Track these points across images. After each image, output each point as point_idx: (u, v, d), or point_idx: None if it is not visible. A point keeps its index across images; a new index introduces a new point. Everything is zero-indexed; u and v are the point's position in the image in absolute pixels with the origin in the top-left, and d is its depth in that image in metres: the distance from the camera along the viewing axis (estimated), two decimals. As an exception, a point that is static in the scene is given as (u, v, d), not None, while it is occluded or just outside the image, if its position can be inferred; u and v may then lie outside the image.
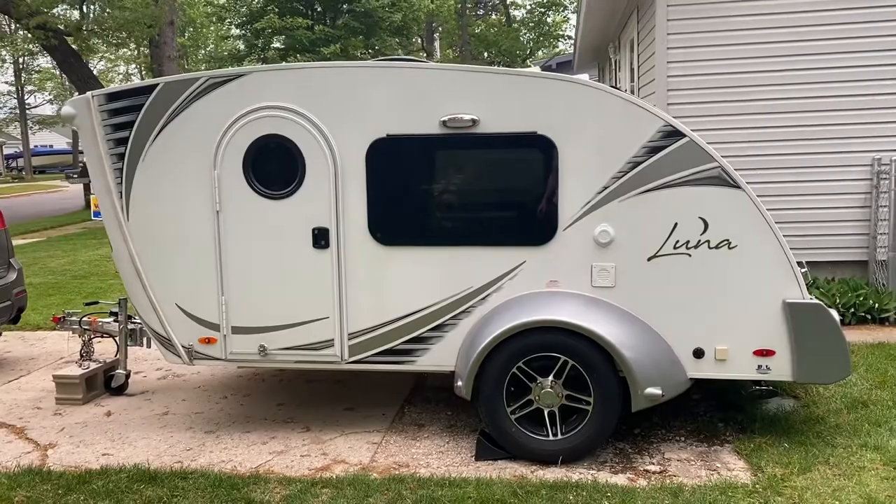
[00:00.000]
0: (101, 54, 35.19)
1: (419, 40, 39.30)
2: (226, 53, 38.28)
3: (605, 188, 4.59)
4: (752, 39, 7.86)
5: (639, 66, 9.94)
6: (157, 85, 4.92)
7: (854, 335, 6.75)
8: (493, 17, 45.58)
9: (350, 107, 4.76)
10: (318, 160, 4.80)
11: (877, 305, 7.40)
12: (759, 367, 4.58)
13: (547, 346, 4.55)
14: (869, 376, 5.80)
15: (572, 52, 19.85)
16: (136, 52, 40.42)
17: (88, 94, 5.00)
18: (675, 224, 4.55)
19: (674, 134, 4.50)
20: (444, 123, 4.67)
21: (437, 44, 41.58)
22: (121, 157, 5.00)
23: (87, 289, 10.28)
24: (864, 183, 7.95)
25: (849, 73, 7.81)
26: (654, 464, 4.58)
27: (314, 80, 4.80)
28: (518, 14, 44.15)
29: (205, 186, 4.92)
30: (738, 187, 4.51)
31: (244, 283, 4.98)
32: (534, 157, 4.67)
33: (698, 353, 4.60)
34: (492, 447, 4.69)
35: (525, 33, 42.70)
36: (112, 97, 4.98)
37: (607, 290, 4.66)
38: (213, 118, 4.86)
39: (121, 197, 5.05)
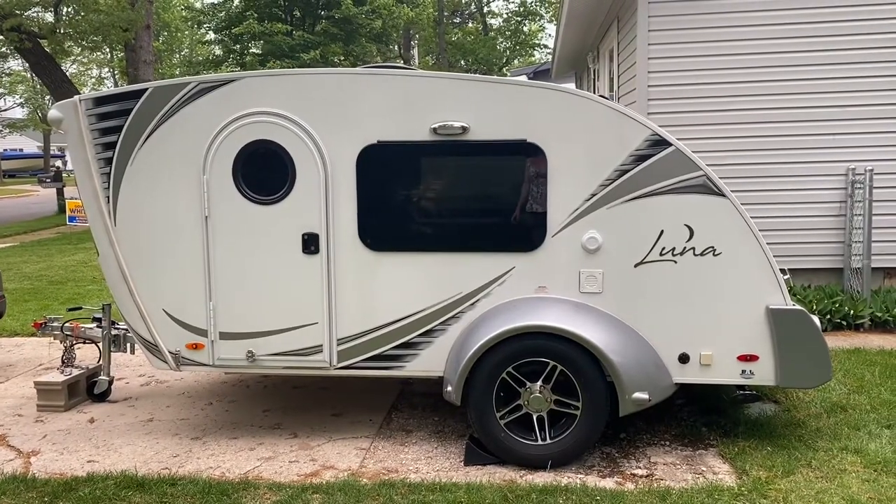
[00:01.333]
0: (73, 57, 34.80)
1: (396, 48, 39.37)
2: (201, 58, 38.03)
3: (594, 195, 4.66)
4: (732, 51, 8.01)
5: (619, 76, 10.06)
6: (146, 89, 4.91)
7: (830, 341, 6.79)
8: (470, 25, 45.81)
9: (341, 113, 4.79)
10: (309, 166, 4.81)
11: (852, 312, 7.55)
12: (743, 371, 4.66)
13: (536, 351, 4.59)
14: (847, 381, 5.92)
15: (550, 60, 20.03)
16: (109, 55, 40.05)
17: (76, 97, 4.98)
18: (662, 231, 4.62)
19: (660, 143, 4.58)
20: (434, 130, 4.71)
21: (414, 51, 41.66)
22: (108, 161, 4.98)
23: (64, 294, 10.17)
24: (838, 192, 8.11)
25: (824, 85, 7.98)
26: (640, 468, 4.63)
27: (305, 86, 4.82)
28: (494, 23, 44.43)
29: (194, 191, 4.92)
30: (723, 195, 4.60)
31: (232, 289, 4.97)
32: (523, 164, 4.72)
33: (683, 359, 4.68)
34: (481, 452, 4.72)
35: (501, 42, 42.97)
36: (100, 101, 4.96)
37: (595, 295, 4.72)
38: (203, 123, 4.86)
39: (108, 202, 5.02)
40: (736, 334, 4.64)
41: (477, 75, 4.78)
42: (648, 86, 8.17)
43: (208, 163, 4.87)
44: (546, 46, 44.24)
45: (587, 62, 14.15)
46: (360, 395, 5.96)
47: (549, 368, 4.60)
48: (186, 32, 45.01)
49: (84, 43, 22.83)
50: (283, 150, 4.82)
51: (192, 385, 6.39)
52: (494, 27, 44.16)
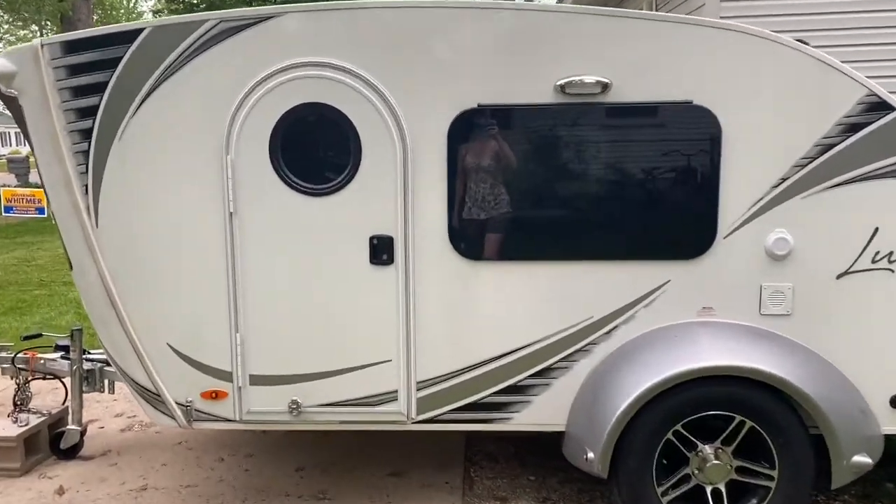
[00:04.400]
0: (3, 30, 32.18)
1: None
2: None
3: (784, 180, 3.35)
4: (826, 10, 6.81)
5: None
6: (141, 30, 3.40)
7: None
8: None
9: (426, 65, 3.37)
10: (380, 140, 3.39)
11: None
12: (976, 418, 3.43)
13: (718, 401, 3.28)
14: None
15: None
16: (39, 33, 37.39)
17: (36, 41, 3.44)
18: (876, 229, 3.35)
19: (880, 106, 3.29)
20: (561, 89, 3.34)
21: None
22: (86, 134, 3.47)
23: (5, 302, 8.44)
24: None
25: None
26: (847, 552, 3.38)
27: (373, 25, 3.38)
28: None
29: (212, 177, 3.45)
30: (963, 180, 3.35)
31: (269, 314, 3.54)
32: (686, 136, 3.39)
33: (896, 402, 3.43)
34: (631, 539, 3.40)
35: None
36: (74, 47, 3.43)
37: (782, 319, 3.43)
38: (227, 80, 3.39)
39: (86, 192, 3.51)
40: (971, 369, 3.41)
41: (620, 9, 3.39)
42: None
43: (234, 137, 3.41)
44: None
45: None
46: (416, 444, 4.56)
47: (734, 425, 3.29)
48: (122, 11, 42.62)
49: (15, 14, 20.72)
50: (344, 119, 3.39)
51: (188, 431, 4.88)
52: None
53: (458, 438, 4.61)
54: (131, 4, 40.83)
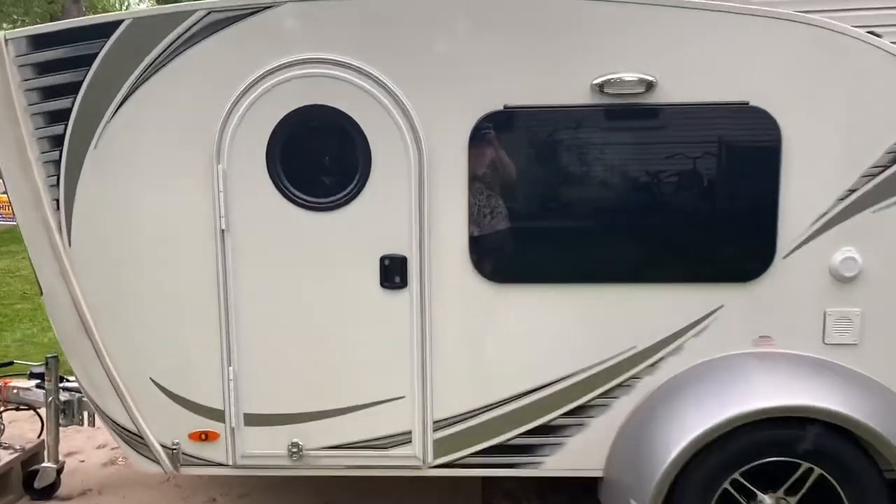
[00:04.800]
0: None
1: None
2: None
3: (852, 192, 2.96)
4: None
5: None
6: (119, 23, 2.99)
7: None
8: None
9: (444, 62, 2.97)
10: (392, 148, 2.99)
11: None
12: None
13: (781, 446, 2.87)
14: None
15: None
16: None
17: (1, 34, 3.03)
18: (957, 247, 2.96)
19: (964, 108, 2.89)
20: (599, 89, 2.93)
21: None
22: (57, 141, 3.05)
23: (-16, 318, 8.02)
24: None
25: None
26: None
27: (384, 16, 2.97)
28: None
29: (200, 190, 3.05)
30: None
31: (266, 345, 3.13)
32: (742, 142, 2.99)
33: (977, 444, 3.02)
34: None
35: None
36: (42, 42, 3.02)
37: (848, 349, 3.03)
38: (217, 79, 2.99)
39: (57, 207, 3.09)
40: None
41: None
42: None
43: (225, 144, 3.00)
44: None
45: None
46: (428, 482, 4.10)
47: (800, 472, 2.88)
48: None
49: (3, 16, 20.35)
50: (351, 123, 2.99)
51: (177, 465, 4.47)
52: None
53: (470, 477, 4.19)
54: (124, 6, 40.50)
